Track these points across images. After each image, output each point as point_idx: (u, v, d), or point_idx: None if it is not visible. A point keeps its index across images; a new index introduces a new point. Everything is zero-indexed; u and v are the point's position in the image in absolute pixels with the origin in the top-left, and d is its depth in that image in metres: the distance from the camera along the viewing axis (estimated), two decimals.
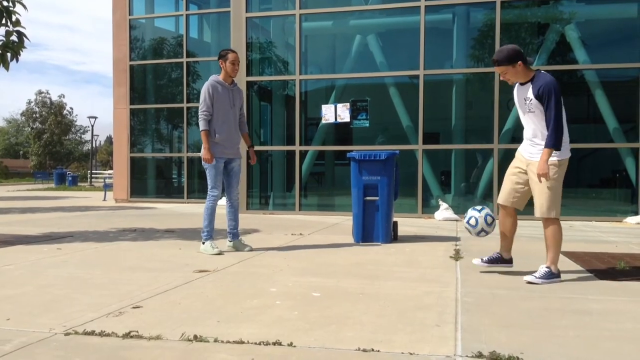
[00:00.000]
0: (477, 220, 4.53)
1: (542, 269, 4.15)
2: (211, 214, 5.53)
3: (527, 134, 4.33)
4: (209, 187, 5.50)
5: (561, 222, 4.26)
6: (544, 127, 4.13)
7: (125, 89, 14.59)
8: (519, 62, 4.16)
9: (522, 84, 4.27)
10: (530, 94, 4.17)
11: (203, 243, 5.50)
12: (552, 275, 4.12)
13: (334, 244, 6.21)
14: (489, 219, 4.51)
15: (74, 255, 5.32)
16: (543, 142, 4.13)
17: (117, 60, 14.63)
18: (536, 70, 4.25)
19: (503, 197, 4.44)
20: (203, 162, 5.47)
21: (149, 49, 14.89)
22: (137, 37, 14.80)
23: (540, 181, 4.11)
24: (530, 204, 4.39)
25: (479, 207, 4.66)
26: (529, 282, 4.08)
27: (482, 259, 4.51)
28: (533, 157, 4.21)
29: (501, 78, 4.31)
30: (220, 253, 5.38)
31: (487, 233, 4.60)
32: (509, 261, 4.54)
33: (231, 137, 5.55)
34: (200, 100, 5.47)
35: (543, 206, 4.18)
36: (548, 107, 4.07)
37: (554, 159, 4.13)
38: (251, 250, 5.57)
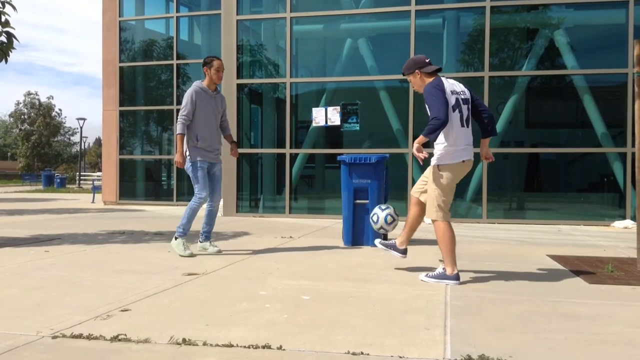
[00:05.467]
0: (378, 218, 5.04)
1: (438, 269, 4.29)
2: (192, 214, 5.50)
3: None
4: (197, 189, 5.48)
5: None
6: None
7: (114, 90, 14.52)
8: (416, 71, 4.37)
9: None
10: None
11: (175, 238, 5.47)
12: (445, 277, 4.19)
13: (324, 247, 6.20)
14: (389, 219, 4.94)
15: (61, 258, 5.28)
16: (439, 145, 4.26)
17: (106, 61, 14.56)
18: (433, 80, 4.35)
19: (413, 188, 4.63)
20: (186, 167, 5.50)
21: (139, 51, 14.83)
22: (127, 39, 14.74)
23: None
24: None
25: (383, 207, 5.16)
26: (422, 280, 4.25)
27: (379, 240, 4.77)
28: (432, 161, 4.34)
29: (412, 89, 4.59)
30: (191, 255, 5.35)
31: (386, 231, 5.14)
32: (402, 252, 4.65)
33: (212, 142, 5.58)
34: (182, 105, 5.49)
35: (429, 208, 4.33)
36: (428, 106, 4.21)
37: (434, 162, 4.29)
38: (220, 252, 5.56)
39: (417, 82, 4.42)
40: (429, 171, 4.37)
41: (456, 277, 4.18)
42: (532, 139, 10.61)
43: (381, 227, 5.11)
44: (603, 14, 10.06)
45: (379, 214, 5.09)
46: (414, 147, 4.16)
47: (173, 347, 2.62)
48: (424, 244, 6.52)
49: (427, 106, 4.22)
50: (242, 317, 3.16)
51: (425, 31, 10.35)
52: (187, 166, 5.49)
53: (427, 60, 4.41)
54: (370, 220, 5.15)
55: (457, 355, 2.51)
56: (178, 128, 5.46)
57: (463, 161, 4.23)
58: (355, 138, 10.54)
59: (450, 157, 4.21)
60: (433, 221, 4.31)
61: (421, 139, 4.13)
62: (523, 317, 3.20)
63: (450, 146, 4.20)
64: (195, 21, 14.99)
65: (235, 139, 10.58)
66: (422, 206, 4.49)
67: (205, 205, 5.65)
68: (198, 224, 5.80)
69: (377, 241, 4.80)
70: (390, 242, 4.72)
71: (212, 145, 5.58)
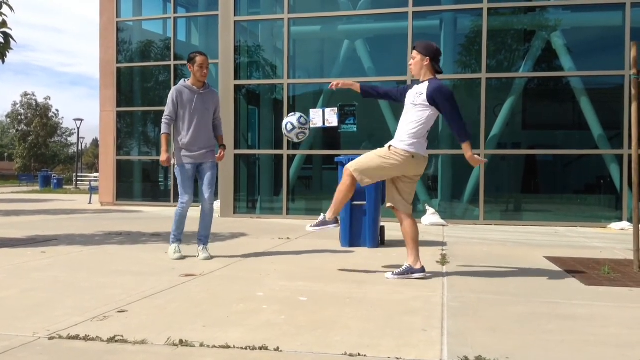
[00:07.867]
0: (293, 125, 5.07)
1: (404, 265, 4.48)
2: (178, 220, 5.43)
3: (398, 128, 4.57)
4: (179, 193, 5.41)
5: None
6: (411, 123, 4.40)
7: (112, 91, 14.50)
8: (428, 57, 4.43)
9: (417, 83, 4.53)
10: (424, 90, 4.37)
11: (170, 244, 5.47)
12: (411, 271, 4.40)
13: (321, 248, 6.20)
14: (302, 120, 5.01)
15: (58, 259, 5.27)
16: (404, 133, 4.41)
17: (104, 62, 14.55)
18: (433, 78, 4.46)
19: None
20: (174, 168, 5.43)
21: (136, 52, 14.82)
22: (125, 40, 14.73)
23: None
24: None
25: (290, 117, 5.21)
26: (387, 278, 4.40)
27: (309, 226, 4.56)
28: (392, 143, 4.43)
29: (408, 62, 4.63)
30: (181, 258, 5.30)
31: (305, 135, 5.17)
32: (333, 223, 4.53)
33: (198, 141, 5.39)
34: (166, 104, 5.42)
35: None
36: (446, 108, 4.31)
37: (395, 146, 4.39)
38: (208, 258, 5.30)
39: (420, 65, 4.47)
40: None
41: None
42: (529, 140, 10.64)
43: (301, 132, 5.12)
44: (600, 16, 10.09)
45: (292, 120, 5.11)
46: (470, 156, 4.30)
47: (170, 348, 2.61)
48: (421, 246, 6.52)
49: (444, 103, 4.31)
50: (240, 318, 3.16)
51: (422, 33, 10.36)
52: (175, 169, 5.42)
53: (440, 58, 4.54)
54: (284, 130, 5.10)
55: (454, 357, 2.51)
56: (162, 128, 5.38)
57: (413, 156, 4.36)
58: (353, 139, 10.55)
59: (410, 148, 4.35)
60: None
61: (467, 146, 4.30)
62: (520, 318, 3.21)
63: (416, 141, 4.37)
64: (193, 22, 14.99)
65: (232, 140, 10.65)
66: (406, 216, 4.56)
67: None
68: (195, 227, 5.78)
69: (307, 227, 4.54)
70: (319, 219, 4.51)
71: (198, 145, 5.39)
